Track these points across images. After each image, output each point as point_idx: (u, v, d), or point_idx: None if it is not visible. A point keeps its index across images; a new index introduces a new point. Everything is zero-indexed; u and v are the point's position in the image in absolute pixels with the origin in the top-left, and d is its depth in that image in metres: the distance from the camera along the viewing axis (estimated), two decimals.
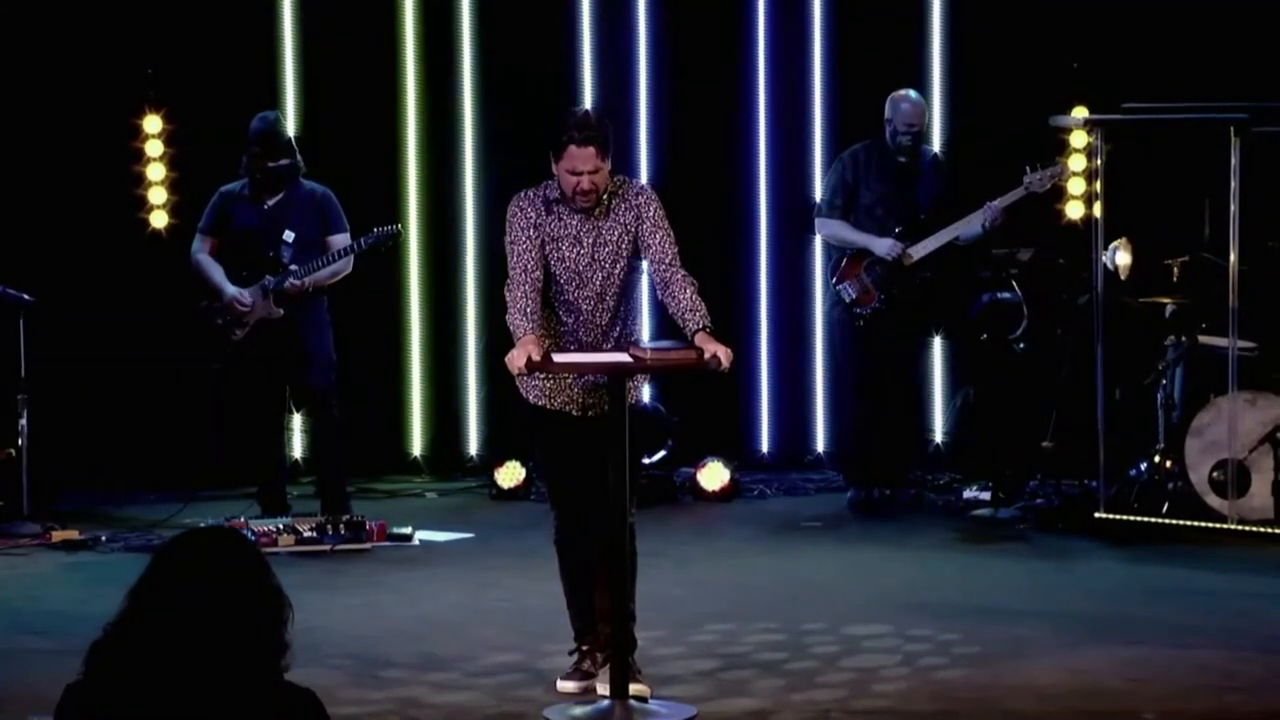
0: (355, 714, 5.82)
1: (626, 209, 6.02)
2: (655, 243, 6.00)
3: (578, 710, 5.88)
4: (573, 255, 5.99)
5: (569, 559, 6.19)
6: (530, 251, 5.97)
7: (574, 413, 6.08)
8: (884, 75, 9.85)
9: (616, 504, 5.86)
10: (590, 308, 6.02)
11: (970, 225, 9.23)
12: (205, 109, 9.98)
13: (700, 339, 5.88)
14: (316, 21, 10.58)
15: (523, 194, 6.08)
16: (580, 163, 5.87)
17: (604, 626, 6.03)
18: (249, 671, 3.05)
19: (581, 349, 6.00)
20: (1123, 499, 8.78)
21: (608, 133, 5.92)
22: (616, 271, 6.02)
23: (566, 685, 6.07)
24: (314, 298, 8.80)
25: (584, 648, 6.14)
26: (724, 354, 5.80)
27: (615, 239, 6.01)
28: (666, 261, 6.00)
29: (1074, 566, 8.12)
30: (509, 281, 6.01)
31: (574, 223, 5.99)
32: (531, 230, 5.99)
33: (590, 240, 5.99)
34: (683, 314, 5.95)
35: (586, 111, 6.08)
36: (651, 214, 6.02)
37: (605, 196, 5.99)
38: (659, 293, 6.06)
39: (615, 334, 6.05)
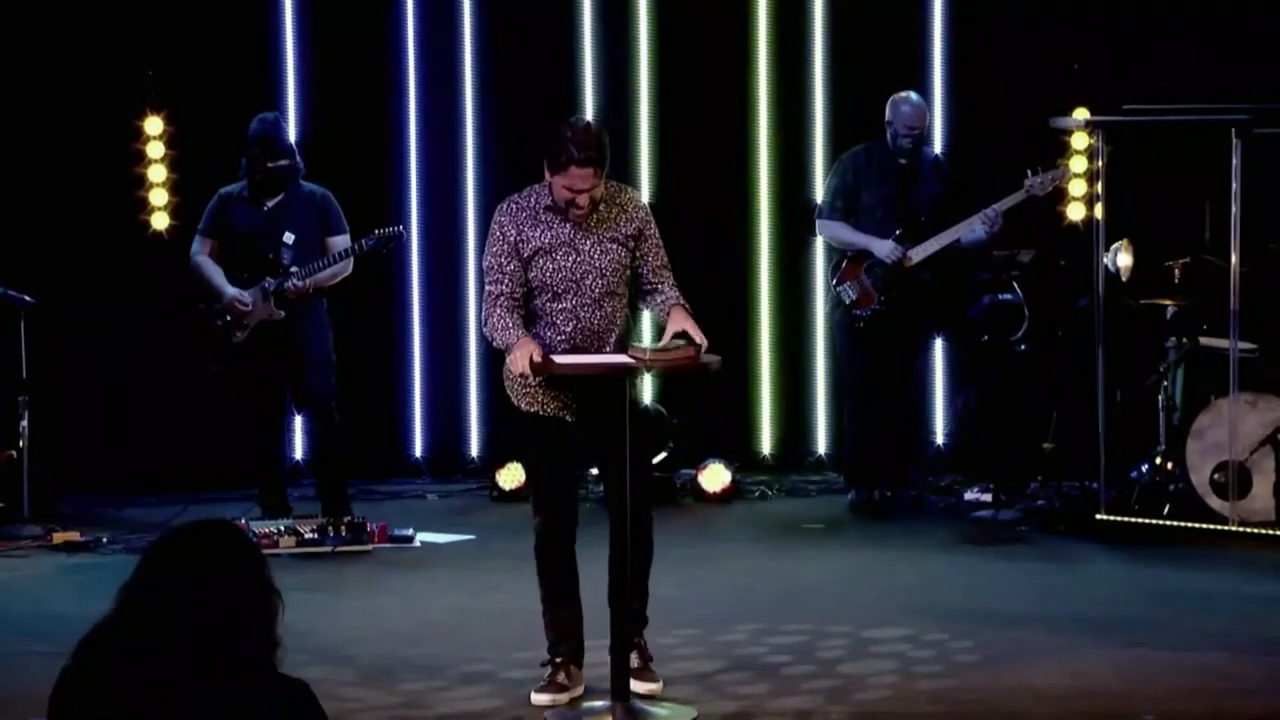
0: (356, 716, 5.83)
1: (627, 220, 6.04)
2: (659, 263, 6.10)
3: (579, 711, 5.89)
4: (569, 264, 5.98)
5: (550, 566, 6.15)
6: (502, 283, 6.00)
7: (568, 419, 6.07)
8: (884, 76, 9.85)
9: (622, 503, 5.86)
10: (589, 314, 6.01)
11: (971, 229, 9.23)
12: (206, 111, 9.98)
13: (676, 311, 5.98)
14: (316, 22, 10.58)
15: (505, 206, 6.07)
16: (580, 182, 5.88)
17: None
18: (241, 662, 3.06)
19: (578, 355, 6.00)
20: (1124, 501, 8.78)
21: (607, 150, 5.94)
22: (616, 280, 6.03)
23: (540, 698, 6.00)
24: (314, 299, 8.80)
25: (557, 660, 6.09)
26: (695, 331, 5.88)
27: (615, 248, 6.01)
28: (666, 279, 6.10)
29: (1075, 568, 8.12)
30: (485, 310, 6.03)
31: (566, 230, 5.99)
32: (505, 258, 6.00)
33: (587, 247, 5.99)
34: (661, 300, 6.05)
35: (589, 126, 6.00)
36: (652, 232, 6.11)
37: (600, 205, 6.00)
38: (643, 299, 6.15)
39: (613, 340, 6.04)
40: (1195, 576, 7.84)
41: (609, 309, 6.04)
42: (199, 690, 3.03)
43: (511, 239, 5.99)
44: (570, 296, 6.00)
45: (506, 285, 5.99)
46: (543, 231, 5.98)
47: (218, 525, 3.19)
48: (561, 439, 6.07)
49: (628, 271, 6.07)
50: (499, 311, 5.97)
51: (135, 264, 10.07)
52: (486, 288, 6.05)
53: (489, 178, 10.65)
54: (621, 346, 6.04)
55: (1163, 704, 5.88)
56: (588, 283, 5.99)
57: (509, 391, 6.09)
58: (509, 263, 5.99)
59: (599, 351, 6.00)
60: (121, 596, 3.10)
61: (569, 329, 6.01)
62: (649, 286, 6.10)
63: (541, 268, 5.98)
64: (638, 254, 6.06)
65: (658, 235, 6.13)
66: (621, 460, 5.84)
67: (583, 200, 5.90)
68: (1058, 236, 9.87)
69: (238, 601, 3.07)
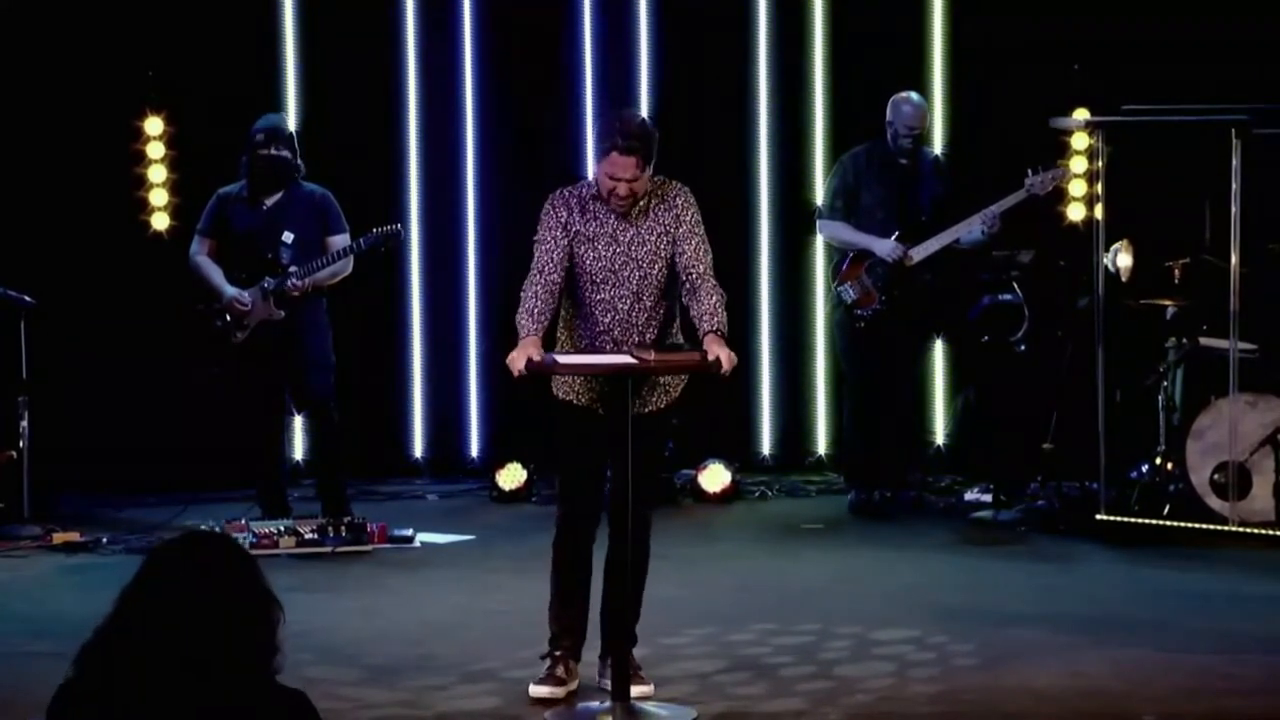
0: (356, 715, 5.83)
1: (666, 210, 6.03)
2: (690, 249, 6.01)
3: (578, 711, 5.88)
4: (608, 254, 5.99)
5: (565, 559, 6.15)
6: (553, 253, 5.99)
7: (601, 411, 6.07)
8: (885, 77, 9.86)
9: (625, 502, 5.86)
10: (627, 307, 6.00)
11: (970, 229, 9.23)
12: (206, 111, 9.99)
13: (710, 339, 5.90)
14: (316, 21, 10.58)
15: (558, 193, 6.10)
16: (621, 170, 5.89)
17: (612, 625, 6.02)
18: (239, 674, 3.06)
19: (617, 348, 5.98)
20: (1123, 501, 8.78)
21: (652, 142, 5.95)
22: (655, 272, 6.01)
23: (539, 690, 6.00)
24: (313, 299, 8.79)
25: (557, 653, 6.10)
26: (726, 358, 5.81)
27: (654, 240, 6.00)
28: (699, 271, 6.00)
29: (1074, 569, 8.12)
30: (525, 281, 6.02)
31: (610, 222, 6.00)
32: (558, 231, 6.00)
33: (626, 239, 5.99)
34: (701, 316, 5.96)
35: (636, 118, 6.09)
36: (689, 219, 6.04)
37: (644, 199, 6.00)
38: (684, 296, 6.06)
39: (651, 337, 6.03)
40: (1195, 576, 7.84)
41: (649, 304, 6.02)
42: (198, 702, 3.03)
43: (562, 219, 6.01)
44: (608, 287, 6.00)
45: (557, 256, 5.98)
46: (588, 220, 6.00)
47: (215, 537, 3.21)
48: (591, 432, 6.06)
49: (671, 267, 6.05)
50: (534, 289, 5.97)
51: (135, 264, 10.07)
52: (533, 260, 6.03)
53: (489, 177, 10.65)
54: (666, 346, 6.02)
55: (1163, 704, 5.88)
56: (625, 274, 5.99)
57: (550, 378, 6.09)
58: (562, 237, 6.00)
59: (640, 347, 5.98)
60: (119, 608, 3.10)
61: (607, 320, 6.01)
62: (687, 284, 6.02)
63: (582, 255, 5.99)
64: (676, 240, 6.01)
65: (695, 226, 6.03)
66: (621, 458, 5.85)
67: (622, 190, 5.91)
68: (1058, 237, 9.88)
69: (237, 612, 3.08)
